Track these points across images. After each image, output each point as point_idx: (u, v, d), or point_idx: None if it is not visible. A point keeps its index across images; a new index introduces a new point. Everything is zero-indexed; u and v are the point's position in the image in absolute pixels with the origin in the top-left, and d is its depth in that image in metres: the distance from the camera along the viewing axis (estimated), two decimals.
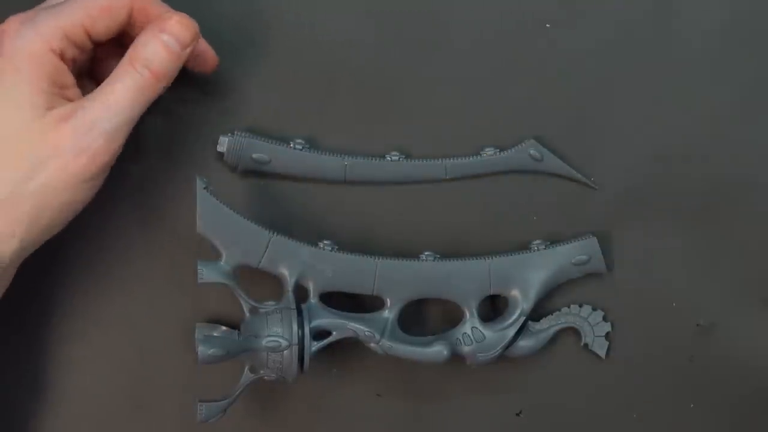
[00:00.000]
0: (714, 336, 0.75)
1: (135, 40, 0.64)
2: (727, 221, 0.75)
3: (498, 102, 0.74)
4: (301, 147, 0.72)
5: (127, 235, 0.73)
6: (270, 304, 0.69)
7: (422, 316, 0.74)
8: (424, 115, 0.74)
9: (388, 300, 0.71)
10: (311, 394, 0.74)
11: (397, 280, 0.71)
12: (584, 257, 0.73)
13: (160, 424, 0.74)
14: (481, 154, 0.74)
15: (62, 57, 0.63)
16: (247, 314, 0.69)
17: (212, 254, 0.68)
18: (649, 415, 0.76)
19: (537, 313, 0.73)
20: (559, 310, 0.74)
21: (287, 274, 0.69)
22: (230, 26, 0.73)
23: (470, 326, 0.72)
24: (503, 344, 0.72)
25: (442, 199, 0.74)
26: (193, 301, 0.73)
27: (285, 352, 0.67)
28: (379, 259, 0.71)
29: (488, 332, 0.72)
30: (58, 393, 0.73)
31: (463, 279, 0.72)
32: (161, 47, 0.63)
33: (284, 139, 0.72)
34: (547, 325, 0.74)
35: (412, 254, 0.72)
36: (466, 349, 0.72)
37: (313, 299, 0.70)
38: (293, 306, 0.68)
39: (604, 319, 0.74)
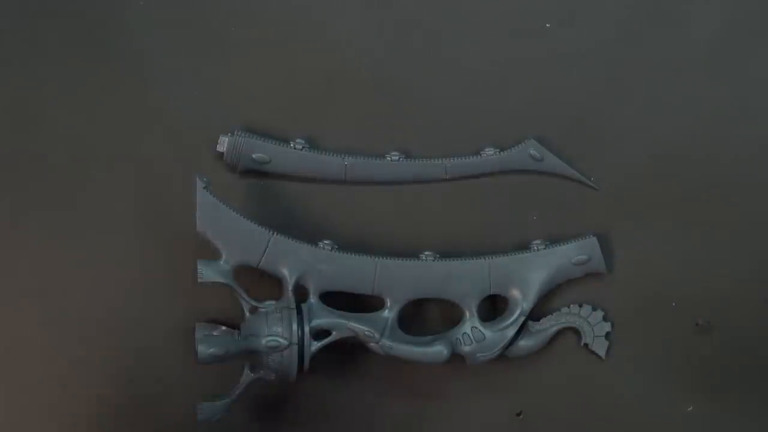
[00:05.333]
0: (713, 336, 0.75)
1: None
2: (726, 221, 0.75)
3: (498, 102, 0.74)
4: (301, 147, 0.72)
5: (127, 235, 0.73)
6: (270, 304, 0.69)
7: (422, 316, 0.74)
8: (424, 115, 0.74)
9: (388, 300, 0.71)
10: (311, 394, 0.74)
11: (397, 280, 0.71)
12: (584, 257, 0.73)
13: (160, 424, 0.74)
14: (481, 154, 0.74)
15: None
16: (247, 314, 0.69)
17: (212, 254, 0.68)
18: (649, 415, 0.76)
19: (537, 313, 0.73)
20: (559, 310, 0.74)
21: (287, 274, 0.69)
22: (231, 26, 0.73)
23: (470, 326, 0.72)
24: (503, 344, 0.72)
25: (442, 199, 0.74)
26: (193, 301, 0.73)
27: (285, 351, 0.67)
28: (379, 259, 0.71)
29: (488, 332, 0.72)
30: (58, 393, 0.73)
31: (463, 279, 0.72)
32: None
33: (284, 139, 0.72)
34: (547, 325, 0.74)
35: (412, 254, 0.72)
36: (466, 348, 0.72)
37: (313, 299, 0.70)
38: (293, 305, 0.68)
39: (604, 319, 0.74)
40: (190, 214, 0.67)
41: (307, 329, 0.68)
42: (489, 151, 0.73)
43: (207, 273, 0.67)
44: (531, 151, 0.73)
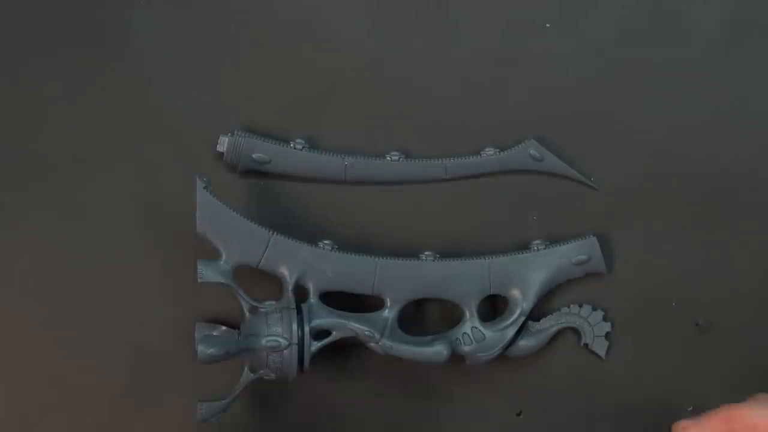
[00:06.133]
0: (713, 336, 0.75)
1: None
2: (726, 221, 0.75)
3: (498, 102, 0.74)
4: (301, 147, 0.72)
5: (126, 235, 0.73)
6: (270, 304, 0.69)
7: (422, 316, 0.74)
8: (424, 115, 0.74)
9: (388, 300, 0.71)
10: (311, 394, 0.74)
11: (396, 280, 0.71)
12: (584, 257, 0.73)
13: (160, 424, 0.74)
14: (481, 154, 0.74)
15: None
16: (247, 314, 0.69)
17: (212, 254, 0.68)
18: (649, 416, 0.76)
19: (537, 313, 0.73)
20: (559, 310, 0.74)
21: (287, 274, 0.69)
22: (231, 26, 0.73)
23: (470, 326, 0.72)
24: (503, 344, 0.72)
25: (442, 199, 0.74)
26: (193, 301, 0.73)
27: (285, 351, 0.67)
28: (379, 259, 0.71)
29: (488, 332, 0.72)
30: (58, 393, 0.73)
31: (463, 279, 0.72)
32: None
33: (284, 139, 0.72)
34: (547, 325, 0.74)
35: (412, 254, 0.72)
36: (466, 348, 0.72)
37: (313, 299, 0.70)
38: (293, 306, 0.68)
39: (604, 319, 0.74)
40: (190, 214, 0.67)
41: (307, 329, 0.68)
42: (489, 151, 0.73)
43: (207, 273, 0.67)
44: (531, 151, 0.73)
